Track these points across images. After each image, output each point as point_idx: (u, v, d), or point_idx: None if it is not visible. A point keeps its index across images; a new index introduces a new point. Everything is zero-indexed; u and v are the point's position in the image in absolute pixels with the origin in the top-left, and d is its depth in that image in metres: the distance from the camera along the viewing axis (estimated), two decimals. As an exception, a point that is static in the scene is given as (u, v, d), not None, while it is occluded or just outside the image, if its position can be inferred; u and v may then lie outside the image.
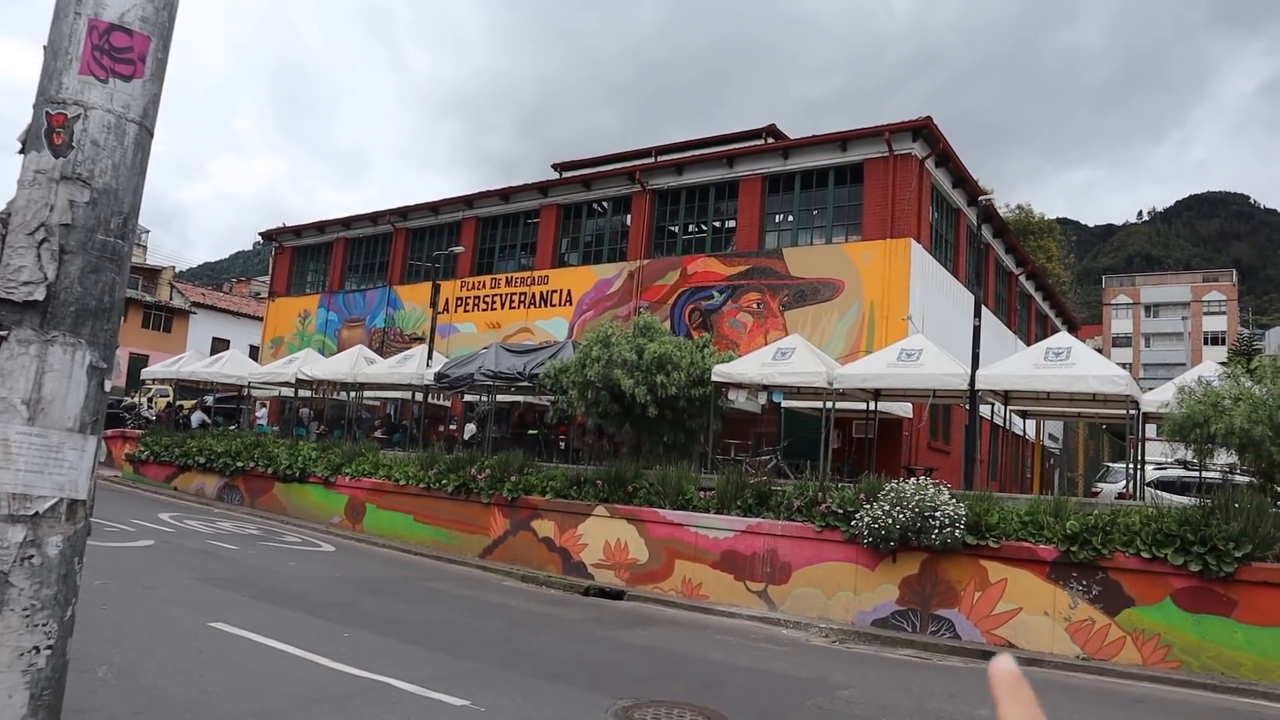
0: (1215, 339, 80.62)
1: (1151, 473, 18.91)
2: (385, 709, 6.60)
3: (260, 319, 43.68)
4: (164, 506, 20.22)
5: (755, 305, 23.81)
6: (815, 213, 24.16)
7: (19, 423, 1.62)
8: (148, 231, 65.78)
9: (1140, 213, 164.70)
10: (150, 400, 33.65)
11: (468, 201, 31.45)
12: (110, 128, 1.69)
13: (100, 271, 1.68)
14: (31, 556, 1.63)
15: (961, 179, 25.01)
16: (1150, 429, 17.55)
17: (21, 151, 1.65)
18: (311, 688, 7.04)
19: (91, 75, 1.63)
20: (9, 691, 1.60)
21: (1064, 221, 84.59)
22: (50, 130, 1.64)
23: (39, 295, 1.61)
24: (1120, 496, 17.23)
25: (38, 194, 1.63)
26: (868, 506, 13.08)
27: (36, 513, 1.64)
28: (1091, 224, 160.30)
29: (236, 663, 7.62)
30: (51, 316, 1.63)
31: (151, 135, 1.83)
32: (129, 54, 1.66)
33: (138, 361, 47.81)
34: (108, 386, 1.74)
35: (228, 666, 7.47)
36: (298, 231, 37.76)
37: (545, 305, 28.34)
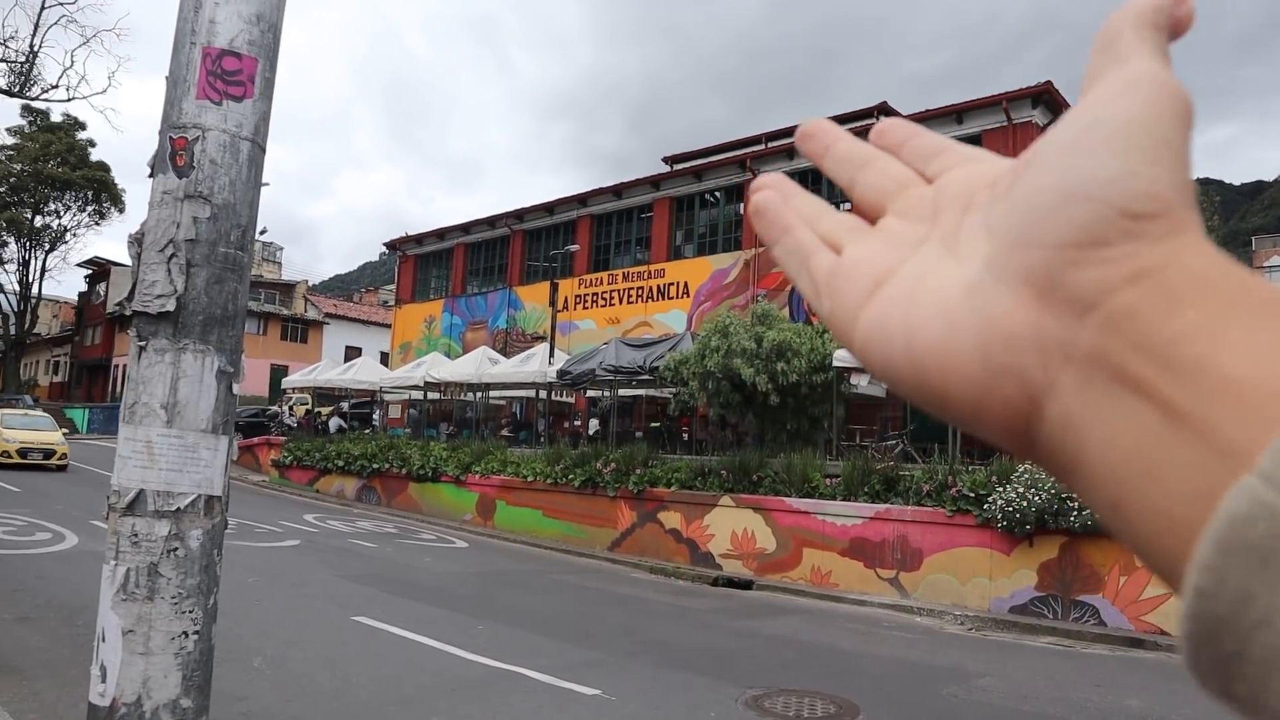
0: (1385, 300, 74.60)
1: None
2: (519, 698, 6.78)
3: (389, 326, 45.36)
4: (308, 508, 21.26)
5: (875, 288, 23.30)
6: (934, 190, 23.46)
7: (159, 425, 1.75)
8: (281, 248, 69.25)
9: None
10: (291, 408, 35.40)
11: (581, 200, 31.86)
12: (226, 146, 1.81)
13: (224, 282, 1.81)
14: (176, 549, 1.76)
15: (1090, 145, 23.87)
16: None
17: (150, 175, 1.78)
18: (448, 677, 7.30)
19: (207, 99, 1.75)
20: (164, 672, 1.74)
21: (1206, 181, 79.77)
22: (173, 153, 1.77)
23: (170, 307, 1.74)
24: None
25: (165, 213, 1.77)
26: (1000, 489, 12.66)
27: (179, 508, 1.77)
28: (1237, 182, 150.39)
29: (377, 654, 7.97)
30: (182, 326, 1.76)
31: (264, 151, 1.95)
32: (239, 76, 1.78)
33: (278, 372, 50.41)
34: (235, 390, 1.87)
35: (369, 657, 7.82)
36: (419, 240, 39.01)
37: (662, 298, 28.46)
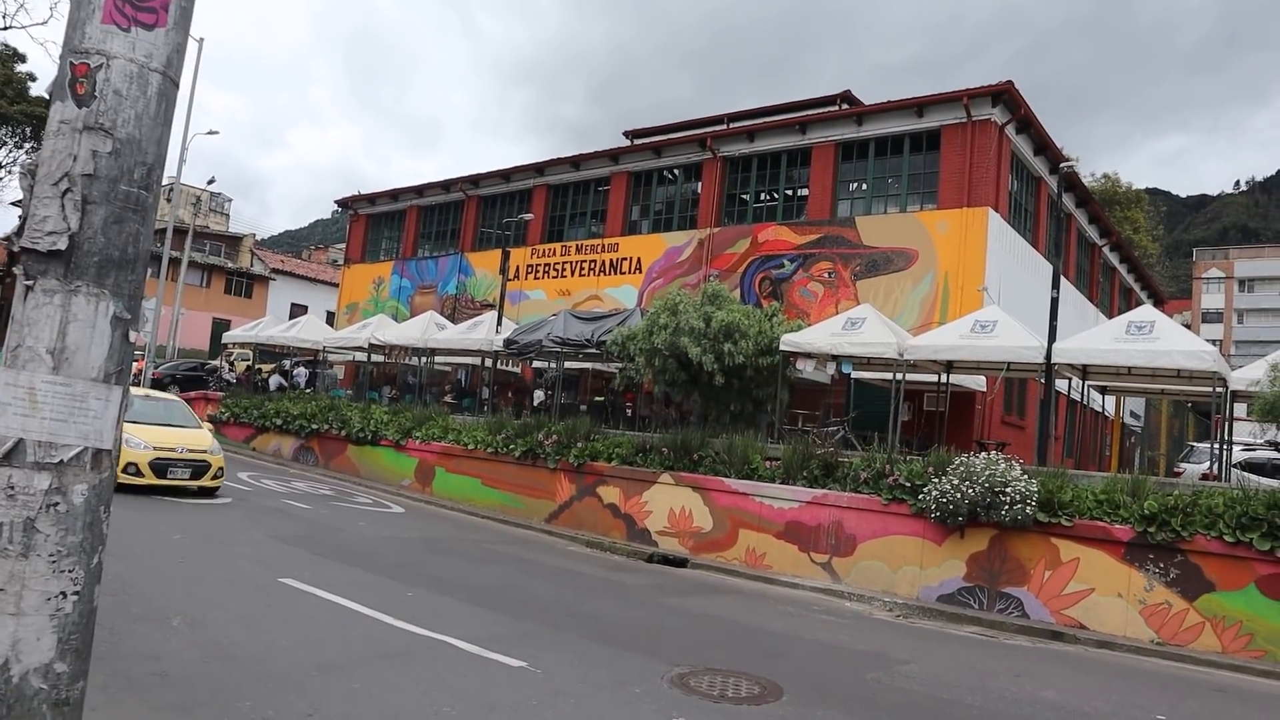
0: (1315, 315, 77.02)
1: (1239, 454, 18.18)
2: (444, 667, 6.71)
3: (337, 285, 44.63)
4: (242, 466, 20.86)
5: (826, 274, 23.45)
6: (890, 181, 23.63)
7: (44, 372, 1.63)
8: (230, 200, 67.62)
9: (1238, 182, 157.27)
10: (231, 364, 34.70)
11: (539, 169, 31.53)
12: (132, 77, 1.68)
13: (124, 222, 1.69)
14: (57, 504, 1.65)
15: (1043, 146, 24.17)
16: (1240, 408, 16.84)
17: (49, 102, 1.65)
18: (374, 644, 7.20)
19: (114, 24, 1.62)
20: (37, 634, 1.63)
21: (1154, 191, 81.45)
22: (73, 80, 1.64)
23: (62, 245, 1.62)
24: (1204, 477, 16.60)
25: (61, 144, 1.64)
26: (936, 480, 12.83)
27: (61, 461, 1.66)
28: (1184, 194, 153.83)
29: (303, 617, 7.83)
30: (75, 267, 1.65)
31: (176, 86, 1.82)
32: (151, 2, 1.65)
33: (220, 325, 49.39)
34: (133, 338, 1.76)
35: (294, 621, 7.68)
36: (372, 199, 38.35)
37: (615, 273, 28.33)
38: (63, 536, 1.66)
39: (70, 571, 1.66)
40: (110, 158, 1.68)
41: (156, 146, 1.77)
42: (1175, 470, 21.94)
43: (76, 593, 1.67)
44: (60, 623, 1.66)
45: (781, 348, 17.18)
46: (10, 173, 53.98)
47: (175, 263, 37.44)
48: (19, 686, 1.60)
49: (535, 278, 30.39)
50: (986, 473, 12.36)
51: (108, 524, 1.75)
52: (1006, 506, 12.08)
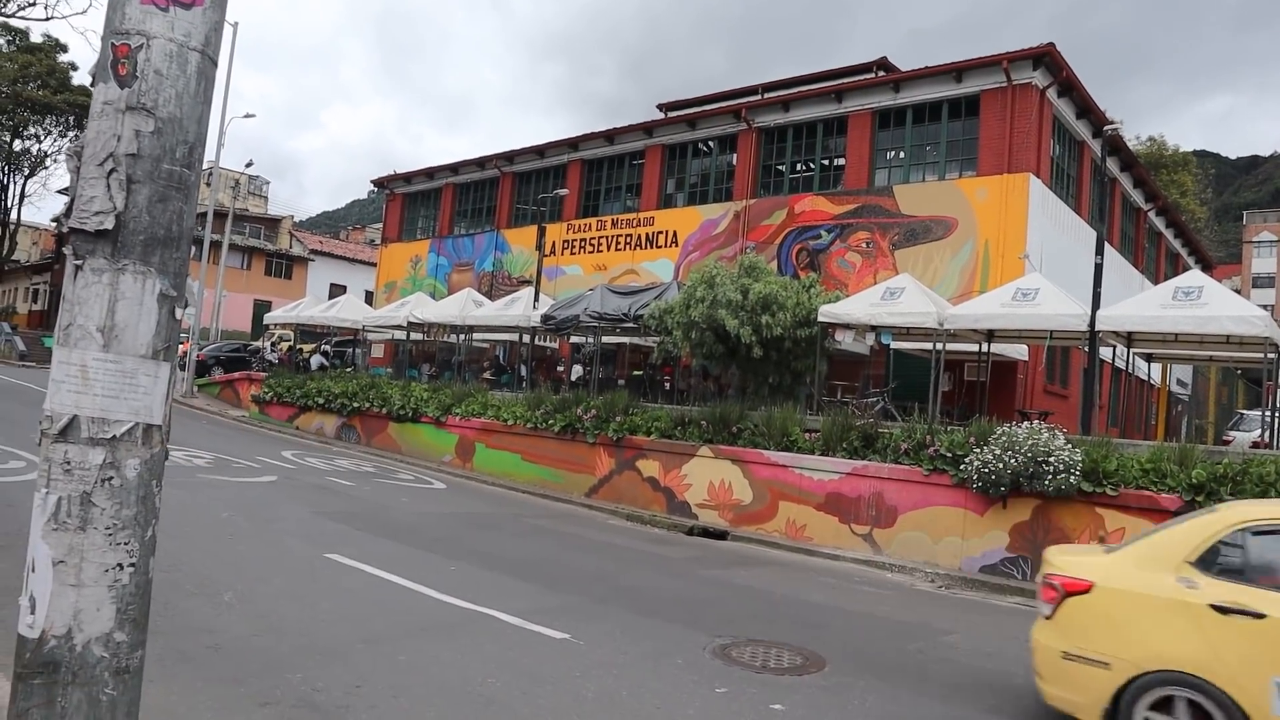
0: (1369, 278, 74.90)
1: (1290, 420, 17.78)
2: (488, 639, 6.80)
3: (374, 265, 44.99)
4: (286, 445, 21.20)
5: (864, 244, 23.22)
6: (928, 148, 23.28)
7: (95, 349, 1.67)
8: (268, 182, 68.28)
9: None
10: (273, 344, 35.19)
11: (572, 144, 31.48)
12: (172, 56, 1.70)
13: (167, 200, 1.71)
14: (111, 478, 1.69)
15: (1086, 109, 23.64)
16: (1291, 373, 16.45)
17: (92, 85, 1.68)
18: (417, 617, 7.31)
19: (153, 4, 1.64)
20: (97, 605, 1.68)
21: (1202, 154, 79.44)
22: (115, 61, 1.66)
23: (109, 224, 1.65)
24: (1255, 445, 16.28)
25: (105, 125, 1.67)
26: (978, 451, 12.71)
27: (114, 436, 1.70)
28: (1233, 156, 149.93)
29: (348, 591, 7.97)
30: (122, 245, 1.67)
31: (215, 64, 1.84)
32: (188, -19, 1.67)
33: (261, 307, 50.06)
34: (179, 315, 1.79)
35: (340, 594, 7.82)
36: (408, 178, 38.54)
37: (651, 247, 28.28)
38: (118, 510, 1.70)
39: (126, 544, 1.70)
40: (153, 137, 1.70)
41: (197, 125, 1.79)
42: (1224, 439, 21.54)
43: (133, 564, 1.71)
44: (118, 593, 1.70)
45: (820, 319, 17.06)
46: (56, 161, 54.86)
47: (216, 246, 37.97)
48: (82, 655, 1.65)
49: (571, 253, 30.42)
50: (1029, 442, 12.22)
51: (159, 498, 1.79)
52: (1050, 476, 11.94)
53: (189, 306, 27.92)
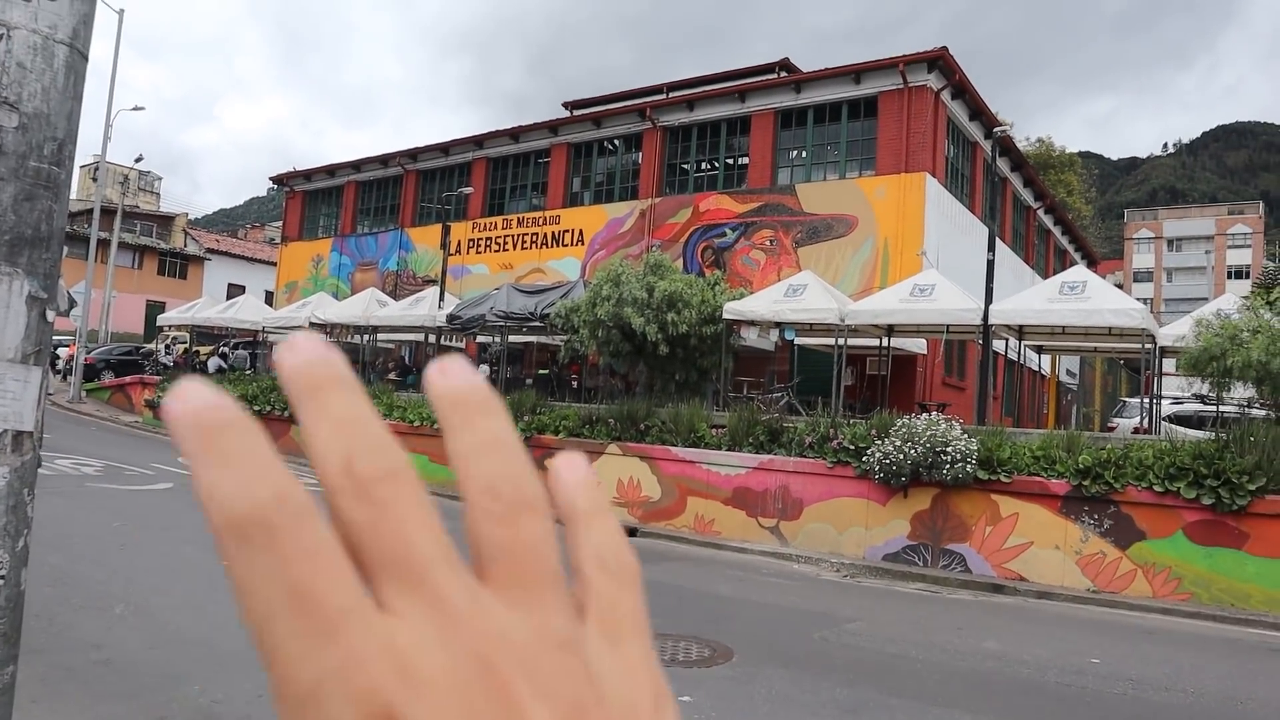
0: (1240, 273, 79.57)
1: (1168, 407, 18.78)
2: (394, 644, 6.70)
3: (274, 264, 43.76)
4: (183, 450, 20.46)
5: (768, 242, 23.60)
6: (828, 148, 23.80)
7: (-43, 354, 1.60)
8: (160, 178, 65.78)
9: (1165, 145, 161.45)
10: (168, 347, 33.93)
11: (478, 142, 31.17)
12: (37, 49, 1.64)
13: (35, 199, 1.65)
14: (-23, 488, 1.62)
15: (978, 111, 24.51)
16: (1168, 364, 17.38)
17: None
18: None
19: (15, -7, 1.58)
20: (-38, 622, 1.61)
21: (1086, 155, 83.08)
22: (-26, 52, 1.60)
23: (-30, 223, 1.59)
24: (1136, 431, 17.14)
25: (-35, 119, 1.60)
26: (879, 442, 13.07)
27: (-20, 444, 1.63)
28: (1115, 157, 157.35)
29: (249, 600, 7.75)
30: (-15, 246, 1.61)
31: (85, 58, 1.77)
32: (53, -30, 1.61)
33: (154, 308, 48.19)
34: (50, 318, 1.72)
35: (240, 604, 7.60)
36: (308, 175, 37.60)
37: (557, 245, 28.20)
38: (-15, 521, 1.63)
39: (-6, 555, 1.64)
40: (17, 133, 1.63)
41: (67, 121, 1.73)
42: (1109, 425, 22.63)
43: (2, 576, 1.64)
44: (-14, 608, 1.63)
45: (725, 316, 17.29)
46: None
47: (105, 244, 36.38)
48: (-55, 673, 1.58)
49: (477, 252, 30.13)
50: (928, 433, 12.61)
51: (33, 506, 1.72)
52: (948, 465, 12.35)
53: (73, 307, 26.68)
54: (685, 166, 26.45)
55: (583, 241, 27.53)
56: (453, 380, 0.31)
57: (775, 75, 26.35)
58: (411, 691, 0.25)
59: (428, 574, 0.27)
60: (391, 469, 0.28)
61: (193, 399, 0.27)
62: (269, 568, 0.25)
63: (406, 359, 31.05)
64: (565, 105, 32.59)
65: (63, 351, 32.36)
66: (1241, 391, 14.66)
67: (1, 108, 1.61)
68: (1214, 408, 16.68)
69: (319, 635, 0.25)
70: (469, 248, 30.08)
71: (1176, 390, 18.19)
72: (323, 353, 0.29)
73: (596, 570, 0.32)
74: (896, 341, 19.12)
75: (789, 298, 17.06)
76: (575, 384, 23.11)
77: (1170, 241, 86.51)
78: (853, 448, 13.48)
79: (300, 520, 0.26)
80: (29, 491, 1.69)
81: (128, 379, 29.90)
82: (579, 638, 0.29)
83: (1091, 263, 39.70)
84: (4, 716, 1.65)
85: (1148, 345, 15.60)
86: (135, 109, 33.93)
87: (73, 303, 26.59)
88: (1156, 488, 11.35)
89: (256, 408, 22.44)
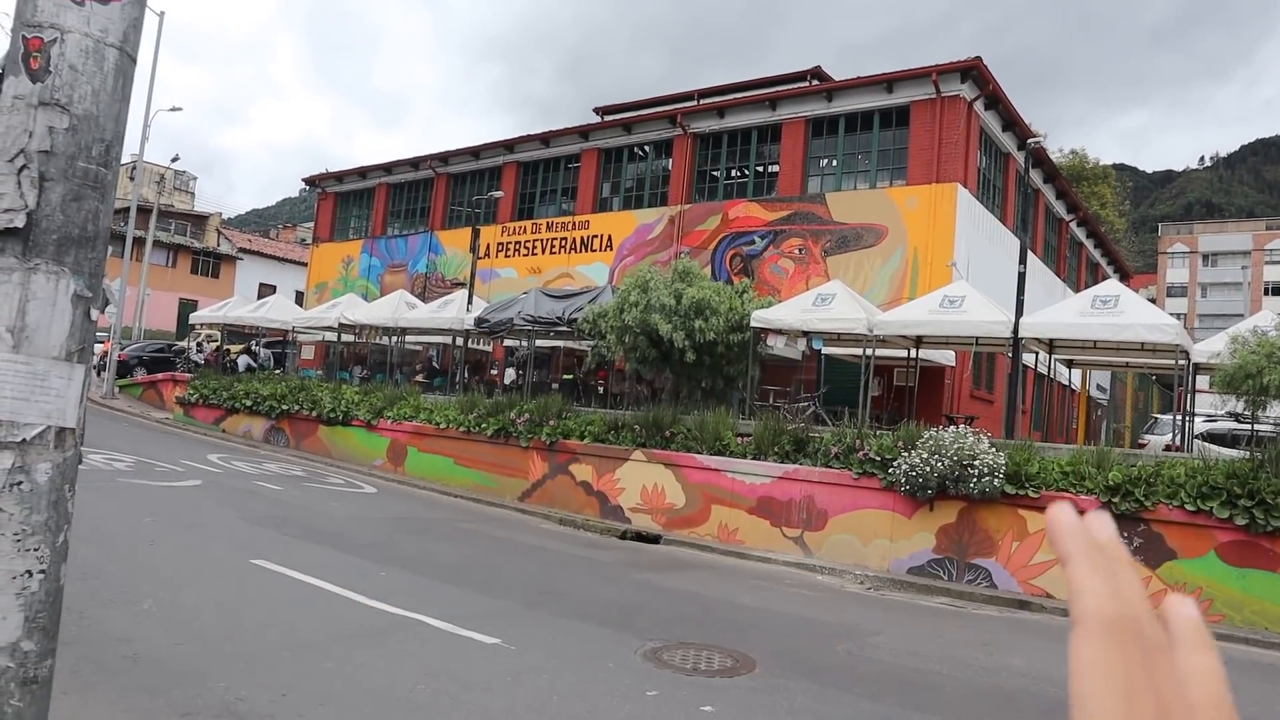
0: (1277, 289, 78.29)
1: (1201, 425, 18.51)
2: (417, 645, 6.73)
3: (305, 265, 44.15)
4: (212, 448, 20.70)
5: (797, 251, 23.53)
6: (859, 157, 23.71)
7: (4, 350, 1.62)
8: (195, 178, 66.62)
9: (1202, 158, 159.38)
10: (199, 345, 34.32)
11: (508, 146, 31.32)
12: (88, 52, 1.66)
13: (82, 199, 1.67)
14: (21, 483, 1.64)
15: (1011, 122, 24.33)
16: (1202, 380, 17.14)
17: (1, 77, 1.63)
18: (347, 623, 7.20)
19: (68, -3, 1.60)
20: (3, 613, 1.63)
21: (1120, 168, 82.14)
22: (27, 55, 1.62)
23: (19, 222, 1.61)
24: (1167, 448, 16.91)
25: (16, 120, 1.62)
26: (905, 454, 12.98)
27: (24, 439, 1.65)
28: (1149, 170, 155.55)
29: (275, 598, 7.82)
30: (34, 244, 1.63)
31: (134, 61, 1.80)
32: (106, -25, 1.63)
33: (187, 306, 48.78)
34: (94, 316, 1.74)
35: (266, 601, 7.66)
36: (340, 177, 37.94)
37: (586, 250, 28.26)
38: (27, 515, 1.65)
39: (36, 550, 1.66)
40: (67, 134, 1.66)
41: (115, 123, 1.75)
42: (1140, 442, 22.33)
43: (43, 571, 1.66)
44: (26, 601, 1.66)
45: (752, 324, 17.25)
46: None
47: (140, 242, 36.90)
48: (-14, 665, 1.60)
49: (506, 256, 30.26)
50: (955, 446, 12.51)
51: (73, 503, 1.74)
52: (975, 479, 12.24)
53: (109, 306, 27.10)
54: (715, 173, 26.44)
55: (611, 247, 27.58)
56: (1181, 608, 0.40)
57: (807, 83, 26.28)
58: None
59: None
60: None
61: (1081, 517, 0.33)
62: (1127, 673, 0.30)
63: (434, 361, 31.22)
64: (596, 110, 32.69)
65: (97, 348, 32.82)
66: (1278, 410, 14.42)
67: (53, 109, 1.64)
68: (1248, 426, 16.43)
69: None
70: (498, 251, 30.22)
71: (1210, 408, 17.95)
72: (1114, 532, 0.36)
73: None
74: (925, 353, 18.99)
75: (817, 307, 17.00)
76: (601, 390, 23.14)
77: (1206, 256, 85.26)
78: (879, 459, 13.39)
79: (1164, 645, 0.31)
80: (70, 488, 1.72)
81: (160, 376, 30.28)
82: None
83: (1124, 277, 39.25)
84: (41, 709, 1.67)
85: (1181, 361, 15.39)
86: (173, 110, 34.49)
87: (107, 301, 27.02)
88: (1188, 506, 11.18)
89: (284, 407, 22.66)
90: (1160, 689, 0.31)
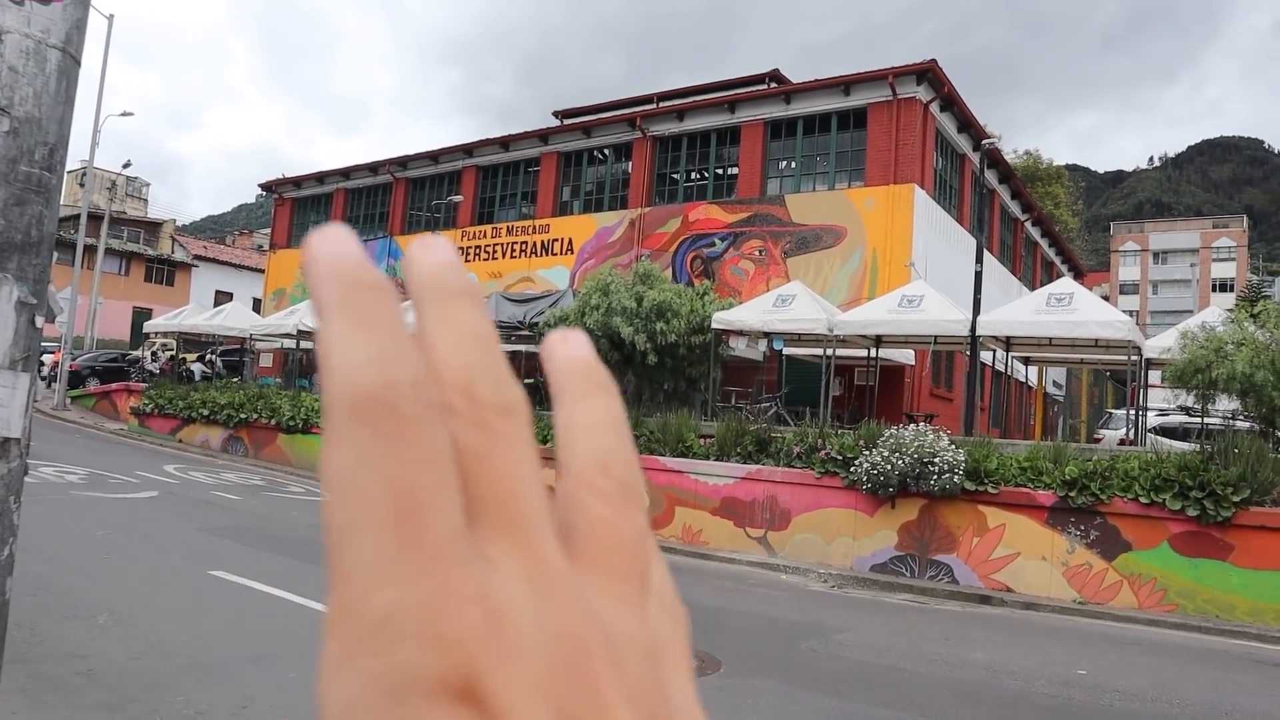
0: (1224, 286, 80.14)
1: (1153, 419, 18.88)
2: (381, 653, 6.66)
3: (263, 272, 43.59)
4: (169, 459, 20.35)
5: (757, 252, 23.66)
6: (818, 158, 23.89)
7: (-55, 359, 1.59)
8: (148, 184, 65.51)
9: (1151, 158, 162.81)
10: (154, 354, 33.74)
11: (467, 150, 31.17)
12: (29, 53, 1.63)
13: (25, 204, 1.64)
14: (-37, 495, 1.61)
15: (967, 123, 24.66)
16: (1154, 376, 17.48)
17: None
18: (308, 633, 7.11)
19: (7, -2, 1.57)
20: (-53, 630, 1.59)
21: (1073, 168, 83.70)
22: (-35, 56, 1.59)
23: (-40, 228, 1.58)
24: (1121, 443, 17.22)
25: (-45, 123, 1.59)
26: (867, 453, 13.09)
27: (-33, 451, 1.62)
28: (1101, 170, 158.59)
29: (235, 609, 7.70)
30: (-26, 251, 1.60)
31: (78, 64, 1.77)
32: (47, -25, 1.60)
33: (141, 315, 47.91)
34: (39, 324, 1.71)
35: (226, 613, 7.55)
36: (297, 183, 37.52)
37: (547, 254, 28.20)
38: (-30, 528, 1.61)
39: (-20, 563, 1.62)
40: (8, 137, 1.63)
41: (58, 126, 1.72)
42: (1095, 437, 22.72)
43: (-13, 585, 1.63)
44: (-29, 616, 1.62)
45: (713, 326, 17.31)
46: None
47: (91, 250, 36.17)
48: (-71, 683, 1.56)
49: (466, 260, 30.08)
50: (915, 444, 12.64)
51: (18, 515, 1.71)
52: (935, 476, 12.38)
53: (59, 314, 26.48)
54: (675, 176, 26.51)
55: (572, 250, 27.54)
56: (575, 351, 0.28)
57: (765, 86, 26.45)
58: (498, 655, 0.21)
59: (532, 527, 0.23)
60: (511, 403, 0.24)
61: (341, 247, 0.23)
62: (381, 461, 0.21)
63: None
64: (555, 114, 32.64)
65: (47, 358, 32.14)
66: (1226, 404, 14.74)
67: (-8, 112, 1.60)
68: (1199, 420, 16.78)
69: (414, 557, 0.21)
70: (458, 256, 29.98)
71: (1162, 402, 18.31)
72: (456, 259, 0.26)
73: (599, 501, 0.26)
74: (885, 352, 19.18)
75: (778, 308, 17.10)
76: (563, 393, 23.06)
77: (1156, 254, 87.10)
78: (841, 458, 13.49)
79: (430, 418, 0.22)
80: (15, 499, 1.68)
81: (113, 386, 29.71)
82: (662, 650, 0.25)
83: (1078, 275, 39.94)
84: (-12, 726, 1.63)
85: (1133, 357, 15.69)
86: (124, 114, 33.81)
87: (51, 309, 26.41)
88: (1142, 499, 11.40)
89: (243, 415, 22.35)
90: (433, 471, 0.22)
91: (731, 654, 7.42)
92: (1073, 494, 11.80)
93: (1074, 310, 14.75)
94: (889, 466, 12.66)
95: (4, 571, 1.65)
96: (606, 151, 28.24)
